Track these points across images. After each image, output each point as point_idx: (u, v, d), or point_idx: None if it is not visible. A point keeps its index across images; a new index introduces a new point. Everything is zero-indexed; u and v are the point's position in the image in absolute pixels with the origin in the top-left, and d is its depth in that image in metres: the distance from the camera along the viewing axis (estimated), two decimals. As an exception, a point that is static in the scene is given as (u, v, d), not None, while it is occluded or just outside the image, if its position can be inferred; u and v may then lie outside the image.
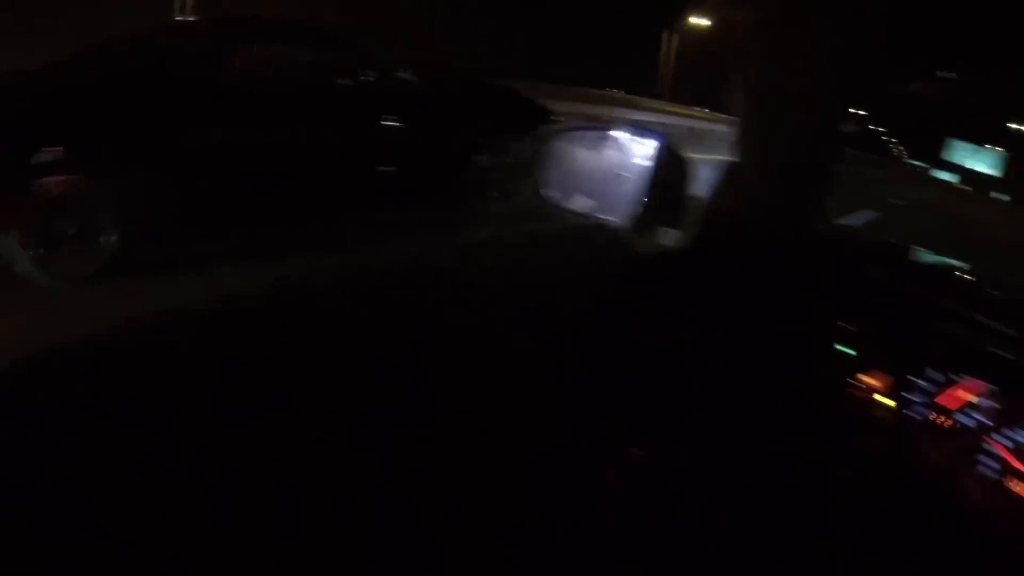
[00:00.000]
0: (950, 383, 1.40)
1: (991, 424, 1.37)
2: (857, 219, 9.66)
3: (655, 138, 1.19)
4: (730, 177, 1.19)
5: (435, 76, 4.85)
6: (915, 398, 1.43)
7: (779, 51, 0.80)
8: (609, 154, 1.28)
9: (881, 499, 1.24)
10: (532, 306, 1.13)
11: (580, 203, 1.28)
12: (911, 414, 1.43)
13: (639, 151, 1.21)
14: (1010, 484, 1.31)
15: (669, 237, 1.26)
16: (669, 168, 1.19)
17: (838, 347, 1.36)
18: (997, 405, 1.37)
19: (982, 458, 1.35)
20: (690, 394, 1.34)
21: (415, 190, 4.60)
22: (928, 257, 2.47)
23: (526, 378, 1.07)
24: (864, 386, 1.46)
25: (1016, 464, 1.32)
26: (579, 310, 1.16)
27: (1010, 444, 1.34)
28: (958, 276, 1.98)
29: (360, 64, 4.48)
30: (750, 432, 1.29)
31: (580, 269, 1.21)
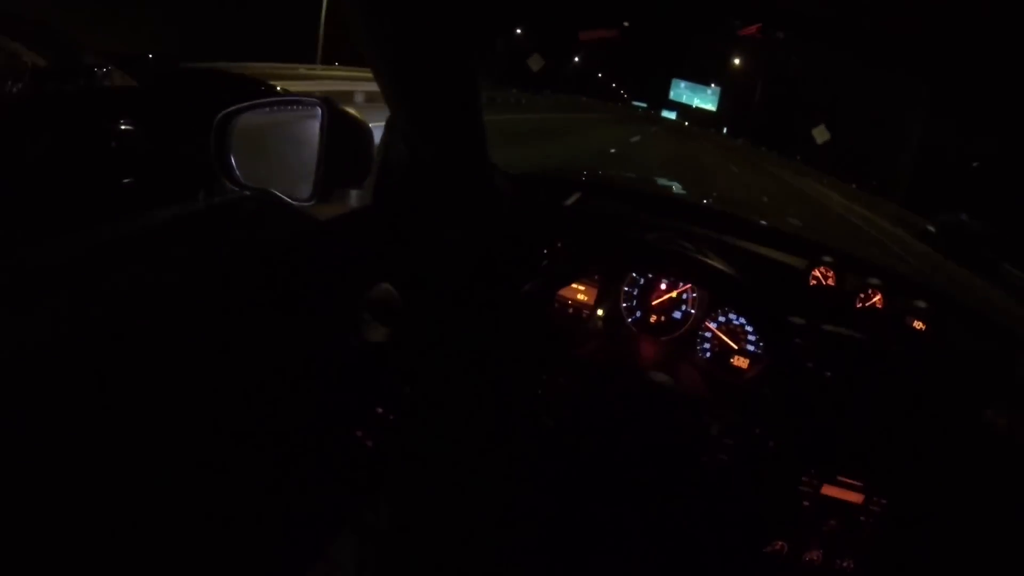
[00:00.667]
0: (653, 286, 1.56)
1: (698, 314, 1.54)
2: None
3: (319, 104, 1.19)
4: (392, 133, 1.22)
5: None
6: (623, 304, 1.57)
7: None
8: (278, 128, 1.26)
9: (600, 398, 1.28)
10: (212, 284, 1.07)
11: (256, 179, 1.24)
12: (623, 318, 1.56)
13: (306, 120, 1.20)
14: (731, 361, 1.52)
15: (352, 199, 1.28)
16: (338, 131, 1.19)
17: (540, 271, 1.41)
18: (698, 297, 1.55)
19: (697, 345, 1.53)
20: (401, 348, 1.36)
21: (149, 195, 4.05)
22: (627, 180, 2.70)
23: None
24: (574, 302, 1.58)
25: (729, 342, 1.52)
26: (258, 282, 1.12)
27: (720, 325, 1.53)
28: (654, 191, 2.19)
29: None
30: (466, 369, 1.32)
31: (257, 243, 1.17)
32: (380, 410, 1.39)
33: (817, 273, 1.61)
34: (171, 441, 0.98)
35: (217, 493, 1.10)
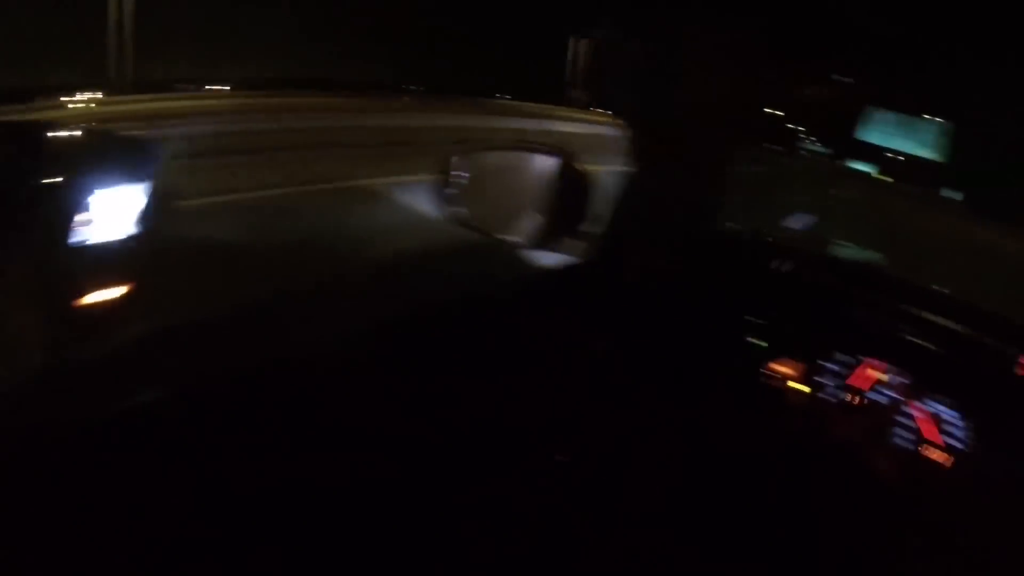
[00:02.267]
0: (858, 365, 1.45)
1: (901, 399, 1.42)
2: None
3: (554, 155, 1.21)
4: (630, 186, 1.21)
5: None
6: (827, 381, 1.46)
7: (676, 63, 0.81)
8: (510, 173, 1.29)
9: (800, 476, 1.26)
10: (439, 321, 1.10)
11: (485, 222, 1.28)
12: (824, 396, 1.46)
13: (538, 168, 1.22)
14: (926, 453, 1.37)
15: (574, 249, 1.27)
16: (568, 183, 1.20)
17: (748, 340, 1.39)
18: (904, 381, 1.42)
19: (896, 431, 1.40)
20: (610, 400, 1.35)
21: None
22: (837, 251, 2.56)
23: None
24: (777, 374, 1.52)
25: (930, 433, 1.38)
26: (481, 324, 1.14)
27: (924, 414, 1.39)
28: (866, 266, 2.07)
29: None
30: (674, 431, 1.30)
31: (482, 286, 1.20)
32: (559, 458, 1.37)
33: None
34: None
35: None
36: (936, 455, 1.36)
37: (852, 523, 1.21)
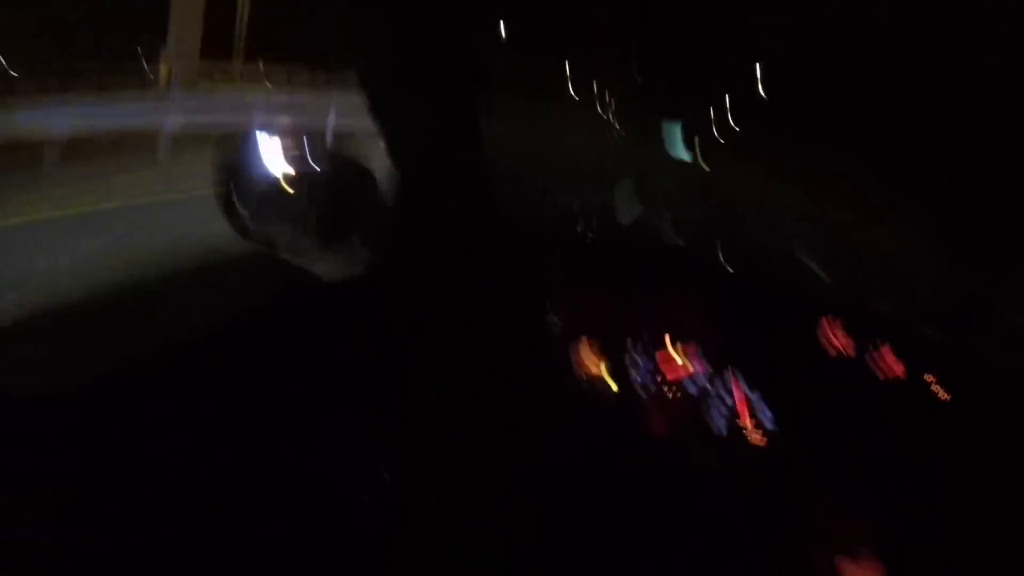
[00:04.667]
0: (659, 350, 1.46)
1: (710, 379, 1.44)
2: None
3: (331, 155, 1.17)
4: (395, 186, 1.19)
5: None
6: (633, 371, 1.46)
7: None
8: (288, 178, 1.24)
9: (615, 468, 1.26)
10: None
11: (266, 231, 1.23)
12: (634, 386, 1.46)
13: (312, 167, 1.18)
14: (747, 436, 1.40)
15: (358, 255, 1.24)
16: (343, 182, 1.17)
17: (548, 336, 1.38)
18: (710, 365, 1.45)
19: (709, 415, 1.43)
20: (415, 400, 1.30)
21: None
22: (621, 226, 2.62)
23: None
24: (583, 367, 1.46)
25: (745, 416, 1.41)
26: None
27: (739, 396, 1.42)
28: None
29: None
30: (484, 434, 1.28)
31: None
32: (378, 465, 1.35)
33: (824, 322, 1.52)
34: None
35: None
36: (756, 438, 1.41)
37: (676, 516, 1.23)
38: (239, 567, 1.07)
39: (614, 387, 1.47)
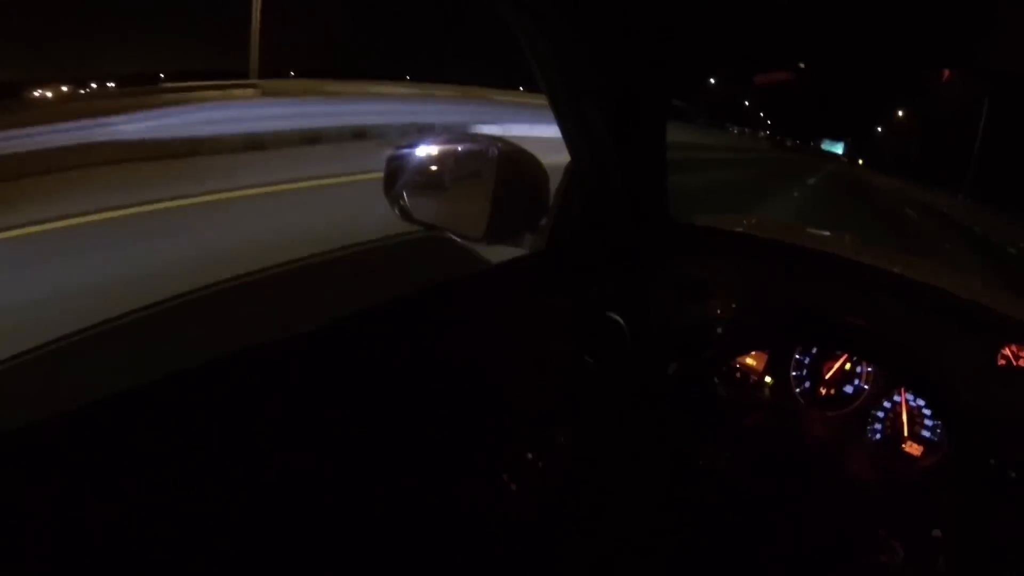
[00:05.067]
0: (827, 357, 1.43)
1: (872, 390, 1.39)
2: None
3: (493, 144, 1.15)
4: (570, 180, 1.16)
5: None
6: (794, 373, 1.44)
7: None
8: (453, 164, 1.24)
9: (769, 473, 1.24)
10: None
11: (430, 215, 1.23)
12: (791, 388, 1.44)
13: (483, 158, 1.17)
14: (903, 446, 1.34)
15: (524, 242, 1.22)
16: (514, 172, 1.15)
17: (707, 333, 1.35)
18: (874, 372, 1.39)
19: (868, 425, 1.38)
20: (566, 396, 1.32)
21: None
22: (799, 234, 2.51)
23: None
24: (742, 367, 1.47)
25: (904, 424, 1.35)
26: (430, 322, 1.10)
27: (896, 405, 1.36)
28: (825, 251, 2.02)
29: None
30: (637, 427, 1.27)
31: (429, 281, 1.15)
32: (530, 456, 1.32)
33: (1007, 352, 1.35)
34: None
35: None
36: (916, 451, 1.33)
37: (831, 526, 1.19)
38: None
39: (773, 391, 1.45)
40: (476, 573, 1.29)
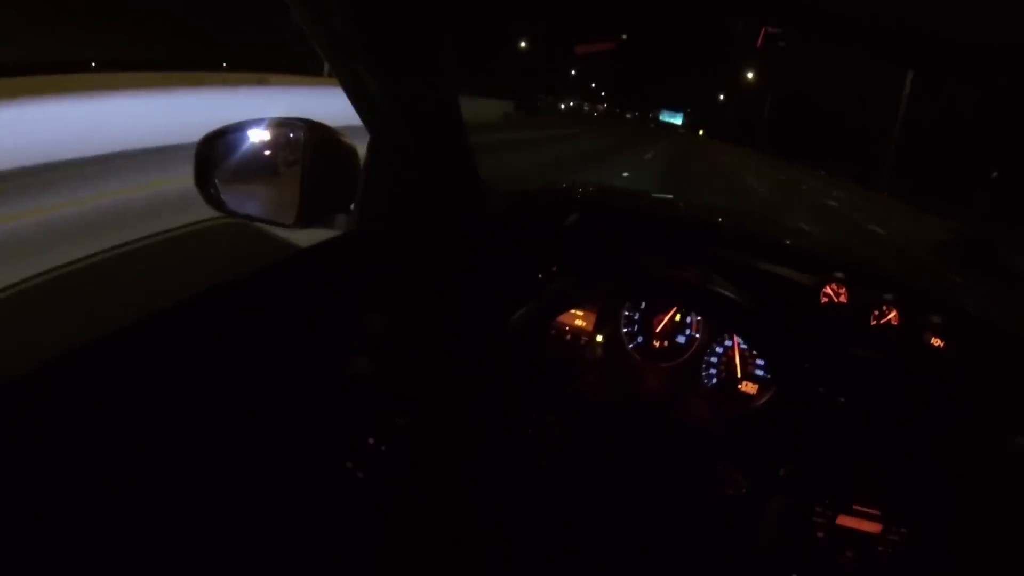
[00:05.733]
0: (657, 310, 1.47)
1: (703, 338, 1.46)
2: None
3: (301, 126, 1.15)
4: (375, 154, 1.17)
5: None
6: (625, 328, 1.48)
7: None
8: (262, 150, 1.22)
9: (610, 430, 1.25)
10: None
11: (242, 204, 1.20)
12: (624, 344, 1.48)
13: (290, 141, 1.17)
14: (739, 387, 1.44)
15: (337, 224, 1.23)
16: (323, 153, 1.15)
17: (534, 295, 1.39)
18: (702, 320, 1.46)
19: (703, 371, 1.45)
20: (390, 377, 1.31)
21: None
22: (630, 196, 2.61)
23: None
24: (571, 328, 1.49)
25: (736, 367, 1.44)
26: (239, 311, 1.08)
27: (727, 349, 1.45)
28: (659, 208, 2.11)
29: None
30: (456, 401, 1.27)
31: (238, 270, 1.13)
32: (371, 440, 1.33)
33: (828, 290, 1.50)
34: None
35: (205, 526, 1.06)
36: (752, 389, 1.43)
37: (675, 474, 1.23)
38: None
39: (605, 349, 1.48)
40: (331, 558, 1.30)
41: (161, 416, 0.96)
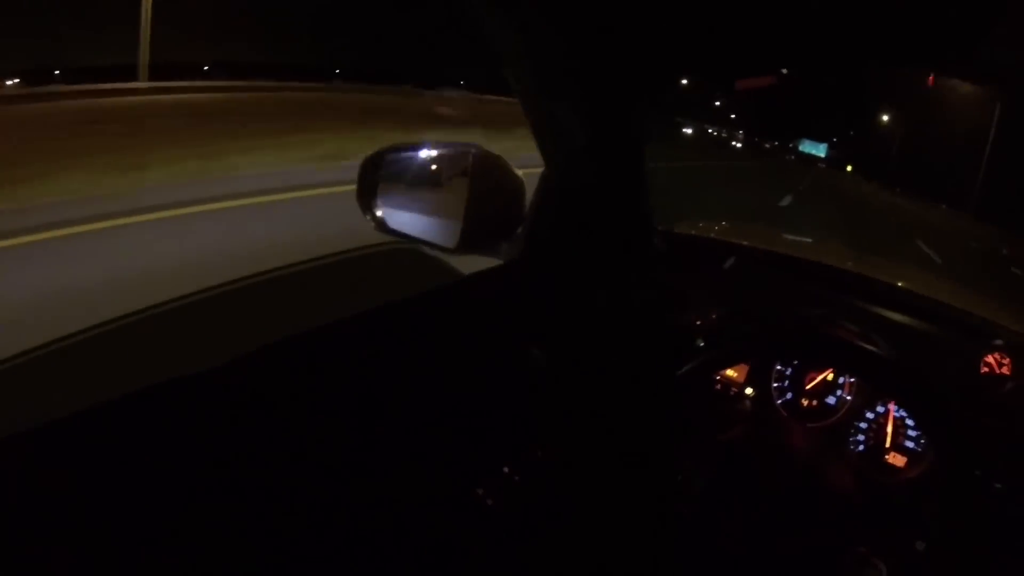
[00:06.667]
0: (809, 368, 1.41)
1: (854, 401, 1.38)
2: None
3: (470, 151, 1.14)
4: (545, 186, 1.15)
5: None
6: (775, 384, 1.43)
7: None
8: (427, 173, 1.22)
9: (751, 488, 1.23)
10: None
11: (404, 225, 1.20)
12: (773, 400, 1.43)
13: (456, 166, 1.16)
14: (886, 458, 1.34)
15: (499, 252, 1.21)
16: (489, 180, 1.13)
17: (691, 344, 1.33)
18: (856, 382, 1.38)
19: (850, 436, 1.37)
20: (547, 406, 1.29)
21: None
22: (790, 243, 2.52)
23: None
24: (723, 379, 1.46)
25: (887, 435, 1.34)
26: (399, 334, 1.08)
27: (879, 416, 1.36)
28: (811, 259, 2.02)
29: None
30: (615, 441, 1.25)
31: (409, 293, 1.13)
32: (507, 470, 1.32)
33: (990, 359, 1.36)
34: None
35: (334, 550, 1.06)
36: (900, 461, 1.32)
37: (813, 542, 1.18)
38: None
39: (754, 403, 1.44)
40: None
41: (312, 436, 0.97)
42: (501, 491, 1.34)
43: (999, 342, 1.38)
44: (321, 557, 1.06)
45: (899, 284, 1.64)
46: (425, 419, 1.19)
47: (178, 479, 0.83)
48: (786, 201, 16.07)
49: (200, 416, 0.85)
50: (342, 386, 1.04)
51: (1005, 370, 1.35)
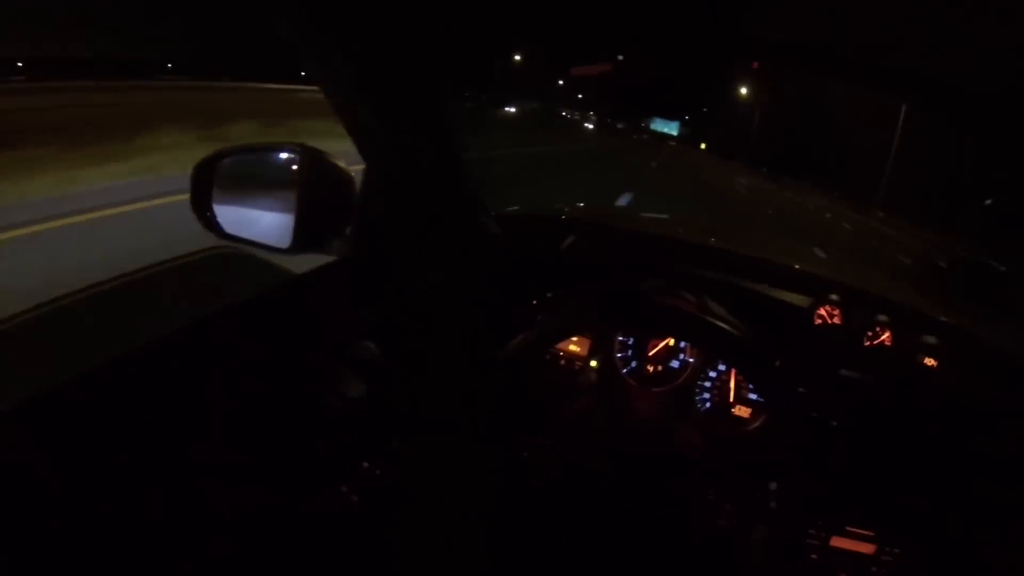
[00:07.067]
0: (650, 336, 1.47)
1: (696, 363, 1.45)
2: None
3: (297, 150, 1.15)
4: (366, 181, 1.18)
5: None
6: (619, 353, 1.48)
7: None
8: (257, 175, 1.22)
9: (602, 455, 1.25)
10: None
11: (240, 228, 1.21)
12: (618, 369, 1.47)
13: (284, 165, 1.17)
14: (732, 411, 1.43)
15: (333, 249, 1.23)
16: (319, 178, 1.15)
17: (528, 322, 1.38)
18: (701, 344, 1.44)
19: (696, 395, 1.44)
20: (394, 400, 1.31)
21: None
22: (626, 218, 2.61)
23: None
24: (566, 353, 1.49)
25: (730, 391, 1.43)
26: (233, 337, 1.08)
27: (721, 374, 1.43)
28: (653, 230, 2.10)
29: None
30: (451, 426, 1.26)
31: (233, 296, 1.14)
32: (366, 464, 1.33)
33: (823, 312, 1.51)
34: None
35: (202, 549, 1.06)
36: (745, 412, 1.42)
37: (668, 500, 1.22)
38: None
39: (599, 374, 1.47)
40: None
41: (156, 440, 0.96)
42: (364, 486, 1.35)
43: (832, 296, 1.51)
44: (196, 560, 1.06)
45: (741, 251, 1.72)
46: (271, 421, 1.19)
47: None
48: (637, 178, 16.65)
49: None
50: (187, 394, 1.03)
51: (836, 320, 1.50)
